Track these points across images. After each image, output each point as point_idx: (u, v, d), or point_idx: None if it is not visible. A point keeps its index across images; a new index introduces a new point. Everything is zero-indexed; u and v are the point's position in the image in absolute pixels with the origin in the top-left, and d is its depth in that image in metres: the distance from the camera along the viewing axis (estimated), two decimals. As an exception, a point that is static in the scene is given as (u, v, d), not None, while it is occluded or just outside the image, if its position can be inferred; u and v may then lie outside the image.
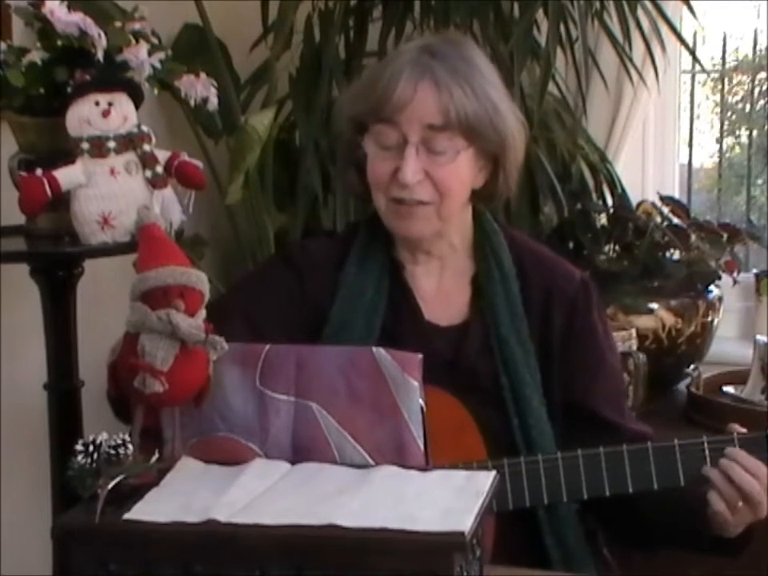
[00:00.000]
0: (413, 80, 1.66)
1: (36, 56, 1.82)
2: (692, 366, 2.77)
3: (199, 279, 1.42)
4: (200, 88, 1.94)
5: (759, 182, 3.36)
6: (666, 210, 2.89)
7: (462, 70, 1.68)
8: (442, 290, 1.79)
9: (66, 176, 1.73)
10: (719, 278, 2.80)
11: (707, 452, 1.62)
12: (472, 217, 1.80)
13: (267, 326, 1.69)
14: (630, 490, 1.62)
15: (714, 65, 3.34)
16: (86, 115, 1.74)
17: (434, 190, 1.68)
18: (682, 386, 2.77)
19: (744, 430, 1.65)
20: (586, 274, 1.84)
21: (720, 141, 3.38)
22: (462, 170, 1.70)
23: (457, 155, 1.68)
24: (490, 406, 1.69)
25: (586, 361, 1.76)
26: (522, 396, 1.70)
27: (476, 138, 1.68)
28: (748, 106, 3.37)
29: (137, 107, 1.80)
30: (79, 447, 1.32)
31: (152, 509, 1.27)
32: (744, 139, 3.39)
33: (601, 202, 2.91)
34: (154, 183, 1.76)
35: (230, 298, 1.80)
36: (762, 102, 3.34)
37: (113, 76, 1.81)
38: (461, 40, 1.80)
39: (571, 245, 2.79)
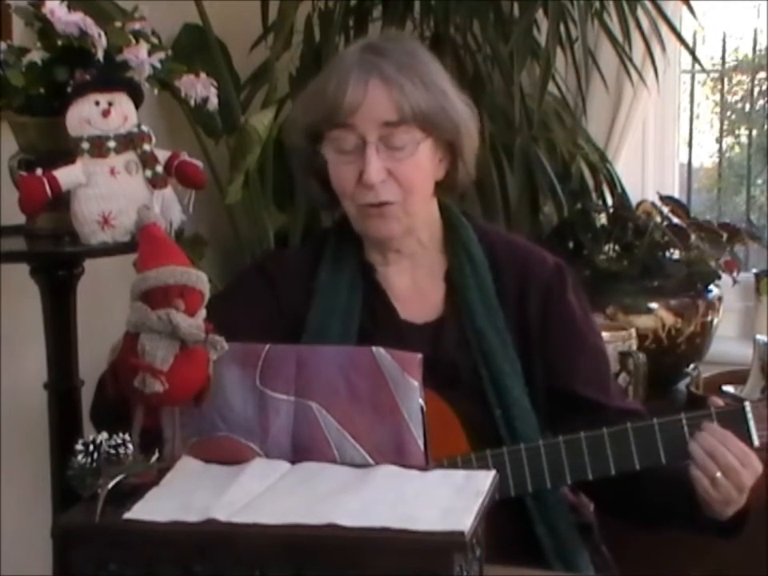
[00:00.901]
0: (362, 80, 1.67)
1: (36, 56, 1.82)
2: (692, 366, 2.77)
3: (199, 279, 1.42)
4: (200, 88, 1.94)
5: (759, 181, 3.36)
6: (665, 209, 2.89)
7: (408, 63, 1.70)
8: (416, 288, 1.79)
9: (66, 176, 1.73)
10: (719, 277, 2.81)
11: (686, 428, 1.62)
12: (439, 212, 1.80)
13: (244, 338, 1.69)
14: (613, 472, 1.63)
15: (713, 65, 3.34)
16: (86, 115, 1.74)
17: (399, 188, 1.69)
18: (682, 385, 2.77)
19: (722, 404, 1.66)
20: (560, 259, 1.84)
21: (720, 141, 3.39)
22: (423, 163, 1.71)
23: (417, 147, 1.69)
24: (471, 400, 1.70)
25: (565, 343, 1.76)
26: (503, 387, 1.70)
27: (432, 128, 1.69)
28: (748, 106, 3.37)
29: (137, 107, 1.80)
30: (79, 447, 1.32)
31: (152, 508, 1.27)
32: (744, 139, 3.39)
33: (601, 202, 2.91)
34: (154, 183, 1.76)
35: (207, 312, 1.79)
36: (761, 101, 3.34)
37: (113, 76, 1.81)
38: (401, 36, 1.83)
39: (571, 245, 2.79)
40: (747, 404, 1.63)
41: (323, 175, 1.74)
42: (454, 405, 1.67)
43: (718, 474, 1.59)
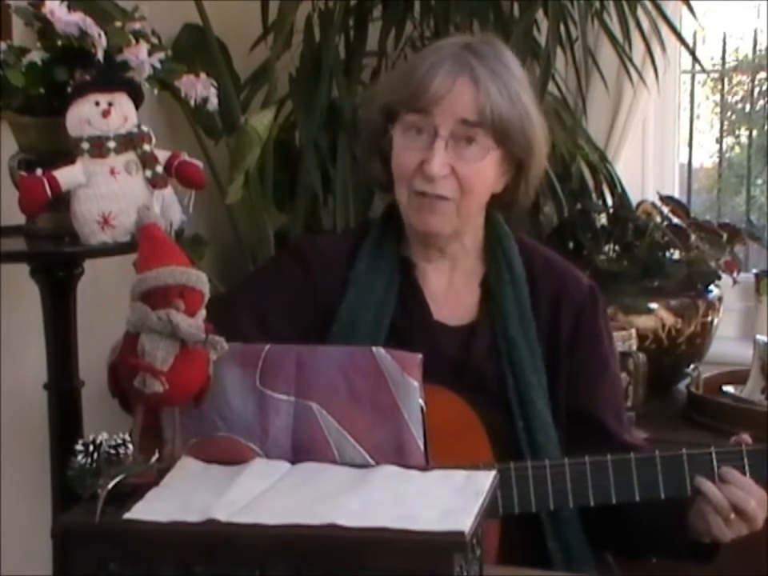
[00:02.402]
0: (452, 74, 1.67)
1: (36, 56, 1.82)
2: (692, 366, 2.77)
3: (199, 279, 1.41)
4: (200, 88, 1.94)
5: (759, 181, 3.36)
6: (665, 209, 2.89)
7: (500, 72, 1.70)
8: (451, 290, 1.79)
9: (66, 176, 1.73)
10: (719, 278, 2.81)
11: (714, 462, 1.62)
12: (485, 220, 1.80)
13: (275, 321, 1.70)
14: (637, 498, 1.62)
15: (714, 65, 3.34)
16: (86, 115, 1.74)
17: (457, 187, 1.69)
18: (682, 386, 2.77)
19: (749, 440, 1.65)
20: (592, 280, 1.84)
21: (720, 141, 3.39)
22: (487, 170, 1.70)
23: (486, 154, 1.69)
24: (495, 408, 1.70)
25: (589, 366, 1.76)
26: (528, 399, 1.70)
27: (505, 141, 1.69)
28: (748, 106, 3.37)
29: (137, 107, 1.79)
30: (79, 447, 1.32)
31: (152, 509, 1.27)
32: (744, 139, 3.39)
33: (601, 202, 2.91)
34: (154, 183, 1.76)
35: (239, 293, 1.81)
36: (761, 102, 3.34)
37: (113, 76, 1.80)
38: (498, 43, 1.79)
39: (571, 245, 2.79)
40: None
41: (387, 156, 1.74)
42: (478, 411, 1.66)
43: (733, 516, 1.59)
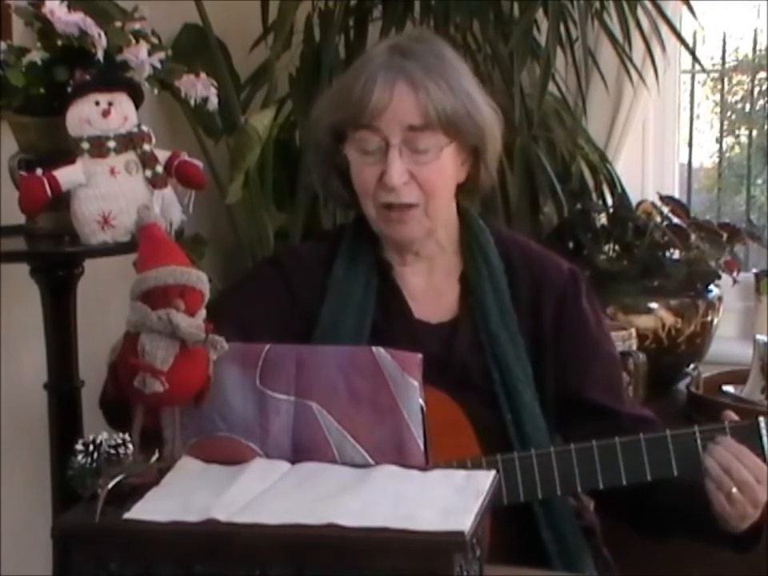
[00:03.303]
0: (388, 83, 1.66)
1: (36, 56, 1.82)
2: (692, 366, 2.77)
3: (199, 279, 1.41)
4: (200, 88, 1.94)
5: (759, 181, 3.36)
6: (665, 209, 2.89)
7: (435, 66, 1.69)
8: (431, 288, 1.79)
9: (65, 176, 1.74)
10: (719, 277, 2.81)
11: (699, 441, 1.62)
12: (457, 214, 1.80)
13: (258, 330, 1.69)
14: (624, 482, 1.62)
15: (713, 65, 3.35)
16: (86, 115, 1.74)
17: (420, 191, 1.69)
18: (682, 385, 2.77)
19: (737, 418, 1.65)
20: (574, 265, 1.84)
21: (720, 141, 3.39)
22: (446, 167, 1.70)
23: (440, 152, 1.68)
24: (482, 403, 1.70)
25: (578, 350, 1.76)
26: (515, 391, 1.70)
27: (456, 133, 1.69)
28: (748, 106, 3.37)
29: (137, 107, 1.80)
30: (79, 447, 1.32)
31: (152, 508, 1.27)
32: (744, 139, 3.39)
33: (601, 202, 2.91)
34: (154, 183, 1.77)
35: (220, 304, 1.79)
36: (761, 101, 3.34)
37: (113, 76, 1.81)
38: (428, 36, 1.80)
39: (571, 245, 2.79)
40: (761, 419, 1.62)
41: (344, 173, 1.74)
42: (465, 407, 1.66)
43: (734, 490, 1.58)
